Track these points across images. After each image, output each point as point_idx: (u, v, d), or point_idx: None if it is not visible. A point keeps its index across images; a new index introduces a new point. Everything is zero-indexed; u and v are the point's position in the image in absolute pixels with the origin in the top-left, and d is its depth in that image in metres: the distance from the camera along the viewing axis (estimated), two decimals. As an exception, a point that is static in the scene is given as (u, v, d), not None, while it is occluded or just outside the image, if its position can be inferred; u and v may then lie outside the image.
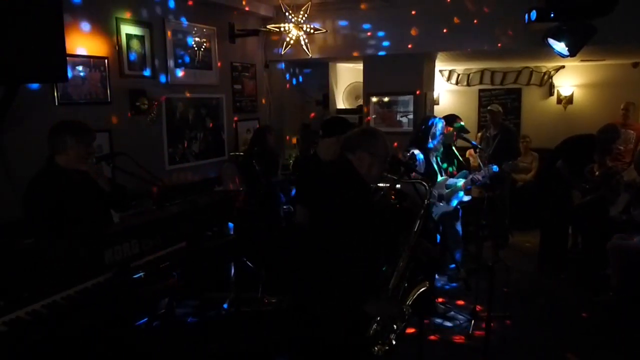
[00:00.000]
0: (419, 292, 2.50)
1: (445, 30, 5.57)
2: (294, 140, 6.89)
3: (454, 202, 4.48)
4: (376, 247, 2.45)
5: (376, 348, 2.31)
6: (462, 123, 4.83)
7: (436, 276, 4.89)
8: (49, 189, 2.74)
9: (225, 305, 4.30)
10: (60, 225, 2.58)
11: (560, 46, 4.67)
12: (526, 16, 4.53)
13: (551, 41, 4.69)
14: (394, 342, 2.34)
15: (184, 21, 5.03)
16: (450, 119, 4.75)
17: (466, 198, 4.58)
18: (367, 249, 2.38)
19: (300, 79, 7.23)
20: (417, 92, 6.10)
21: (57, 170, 2.81)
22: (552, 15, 4.39)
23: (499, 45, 5.40)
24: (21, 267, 2.19)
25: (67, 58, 3.28)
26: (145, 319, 3.13)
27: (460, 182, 4.43)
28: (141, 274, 2.43)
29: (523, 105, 8.53)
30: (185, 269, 2.78)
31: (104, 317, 2.32)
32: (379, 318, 2.31)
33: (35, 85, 3.58)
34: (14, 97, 3.22)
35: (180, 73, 4.99)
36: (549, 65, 8.20)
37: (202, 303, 4.24)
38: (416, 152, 4.29)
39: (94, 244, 2.07)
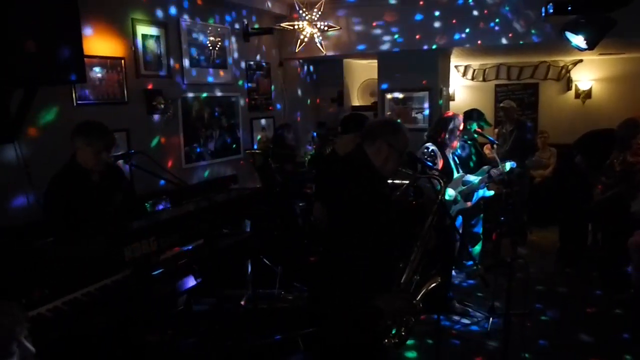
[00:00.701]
0: (430, 287, 2.48)
1: (460, 26, 5.53)
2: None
3: (475, 199, 4.43)
4: (389, 242, 2.44)
5: (387, 340, 2.32)
6: (482, 123, 4.77)
7: (453, 273, 4.85)
8: (65, 186, 2.79)
9: (242, 302, 4.33)
10: (75, 222, 2.62)
11: (577, 39, 4.58)
12: (543, 9, 4.46)
13: (568, 34, 4.61)
14: (403, 335, 2.34)
15: (199, 21, 5.06)
16: (475, 115, 4.72)
17: (489, 193, 4.53)
18: (380, 243, 2.37)
19: (315, 76, 7.23)
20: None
21: (76, 169, 2.86)
22: (569, 7, 4.31)
23: (515, 39, 5.33)
24: (42, 265, 2.23)
25: (85, 59, 3.33)
26: (164, 316, 3.16)
27: (477, 179, 4.39)
28: (160, 270, 2.46)
29: (540, 100, 8.41)
30: (202, 266, 2.80)
31: (124, 313, 2.35)
32: (389, 312, 2.32)
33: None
34: (32, 99, 3.28)
35: (195, 72, 5.03)
36: (566, 59, 8.08)
37: (219, 300, 4.27)
38: (434, 148, 4.25)
39: (114, 241, 2.10)
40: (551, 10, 4.34)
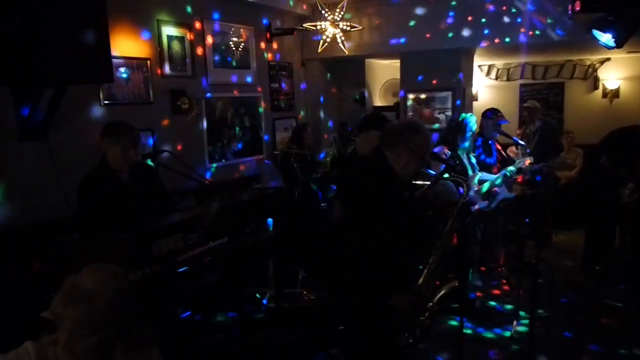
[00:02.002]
0: (447, 290, 2.46)
1: (484, 24, 5.46)
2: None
3: (495, 202, 4.36)
4: (406, 243, 2.42)
5: (401, 339, 2.32)
6: (502, 118, 4.68)
7: (473, 274, 4.78)
8: (96, 186, 2.85)
9: (264, 301, 4.35)
10: (106, 221, 2.67)
11: (605, 37, 4.50)
12: (569, 6, 4.38)
13: (596, 32, 4.52)
14: (418, 335, 2.33)
15: (222, 21, 5.11)
16: (490, 113, 4.65)
17: (510, 196, 4.46)
18: (395, 244, 2.36)
19: (337, 77, 7.22)
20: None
21: (107, 169, 2.92)
22: (597, 5, 4.23)
23: (540, 37, 5.25)
24: (71, 260, 2.27)
25: (112, 59, 3.39)
26: (188, 312, 3.21)
27: (494, 177, 4.32)
28: (185, 268, 2.49)
29: (566, 99, 8.25)
30: (226, 264, 2.83)
31: (150, 309, 2.38)
32: (403, 311, 2.31)
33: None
34: (62, 98, 3.36)
35: (218, 72, 5.08)
36: (593, 57, 7.91)
37: (242, 298, 4.30)
38: (446, 151, 4.20)
39: (143, 236, 2.13)
40: (578, 8, 4.26)
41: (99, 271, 1.49)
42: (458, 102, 6.06)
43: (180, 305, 2.88)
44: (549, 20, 5.18)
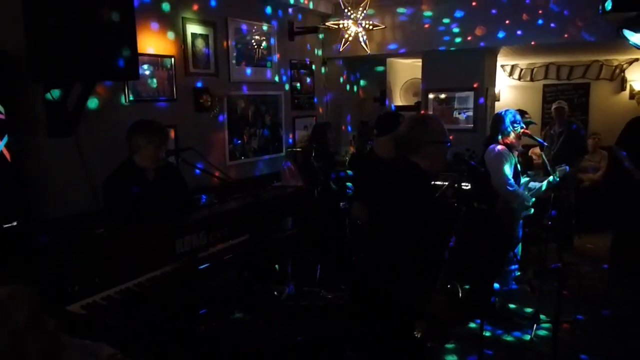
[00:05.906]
0: None
1: (509, 23, 5.38)
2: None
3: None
4: (439, 245, 2.41)
5: (429, 342, 2.31)
6: (530, 119, 4.56)
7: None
8: (122, 185, 2.89)
9: (282, 299, 4.36)
10: (130, 218, 2.70)
11: (637, 37, 4.40)
12: (600, 6, 4.29)
13: (627, 32, 4.43)
14: (444, 339, 2.32)
15: (245, 19, 5.14)
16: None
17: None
18: (431, 247, 2.34)
19: (358, 75, 7.21)
20: (475, 86, 5.94)
21: (133, 168, 2.94)
22: (629, 4, 4.14)
23: (568, 37, 5.14)
24: (95, 254, 2.31)
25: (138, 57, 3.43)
26: (207, 309, 3.23)
27: (542, 184, 4.24)
28: (207, 264, 2.51)
29: (591, 101, 8.10)
30: (247, 261, 2.85)
31: (171, 304, 2.41)
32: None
33: (108, 82, 3.76)
34: (89, 94, 3.42)
35: (241, 70, 5.11)
36: (620, 58, 7.74)
37: (260, 295, 4.32)
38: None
39: (167, 233, 2.15)
40: (609, 8, 4.17)
41: None
42: (481, 100, 5.98)
43: (200, 301, 2.90)
44: (577, 20, 5.07)
